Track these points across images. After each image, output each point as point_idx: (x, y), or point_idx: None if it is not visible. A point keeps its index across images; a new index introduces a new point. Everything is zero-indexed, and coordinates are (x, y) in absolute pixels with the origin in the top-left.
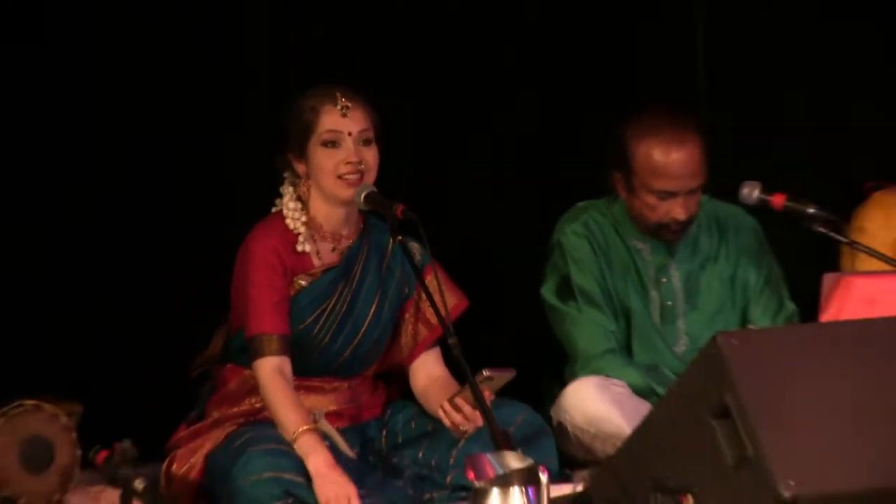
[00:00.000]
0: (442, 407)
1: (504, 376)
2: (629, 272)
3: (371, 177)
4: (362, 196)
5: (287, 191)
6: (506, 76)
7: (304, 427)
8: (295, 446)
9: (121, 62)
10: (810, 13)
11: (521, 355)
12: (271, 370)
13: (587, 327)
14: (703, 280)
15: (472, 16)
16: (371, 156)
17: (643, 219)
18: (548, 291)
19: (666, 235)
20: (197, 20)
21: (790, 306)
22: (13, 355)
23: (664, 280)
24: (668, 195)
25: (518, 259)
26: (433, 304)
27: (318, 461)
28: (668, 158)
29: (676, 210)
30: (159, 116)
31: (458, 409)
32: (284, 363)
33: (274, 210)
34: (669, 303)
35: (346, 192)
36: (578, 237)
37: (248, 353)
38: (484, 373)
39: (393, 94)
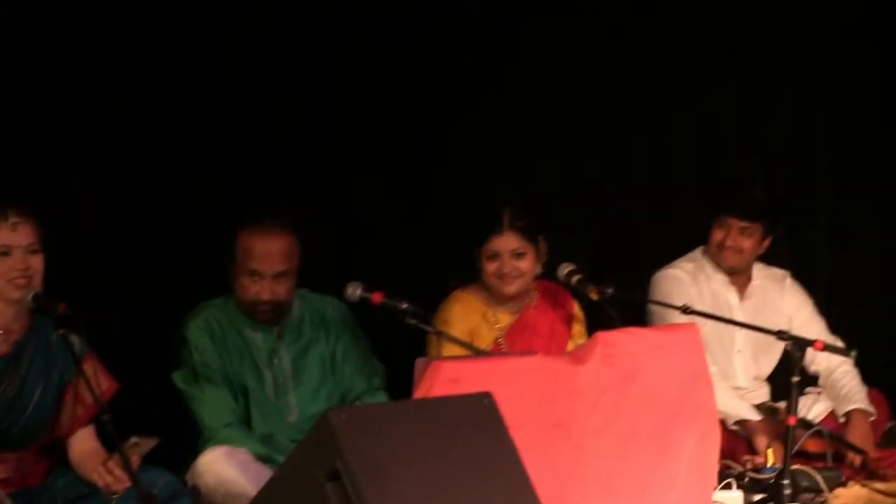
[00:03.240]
0: (97, 469)
1: (149, 443)
2: (245, 356)
3: (38, 280)
4: (30, 296)
5: None
6: None
7: None
8: None
9: None
10: None
11: (162, 429)
12: None
13: (211, 405)
14: (307, 360)
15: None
16: (37, 263)
17: (241, 301)
18: (177, 377)
19: (257, 316)
20: None
21: (378, 365)
22: None
23: (276, 361)
24: (256, 275)
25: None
26: (90, 388)
27: None
28: (255, 243)
29: (263, 290)
30: None
31: (110, 471)
32: None
33: None
34: (281, 380)
35: (14, 293)
36: (200, 331)
37: None
38: (132, 439)
39: None
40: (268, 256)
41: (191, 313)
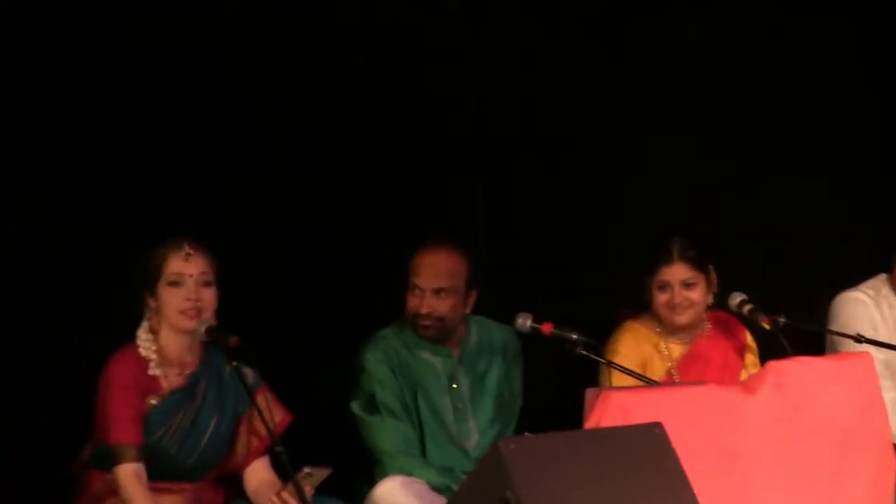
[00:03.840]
0: (271, 500)
1: (322, 473)
2: (424, 381)
3: (209, 313)
4: (203, 329)
5: (143, 324)
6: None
7: None
8: None
9: None
10: None
11: (336, 459)
12: (129, 475)
13: (389, 434)
14: (485, 386)
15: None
16: (209, 295)
17: (407, 316)
18: (356, 407)
19: (419, 330)
20: None
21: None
22: None
23: (455, 386)
24: (417, 290)
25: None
26: (263, 420)
27: None
28: (421, 259)
29: (422, 304)
30: None
31: (284, 502)
32: (140, 469)
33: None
34: (460, 406)
35: (186, 324)
36: (379, 362)
37: (109, 460)
38: (305, 469)
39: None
40: (429, 271)
41: (368, 344)
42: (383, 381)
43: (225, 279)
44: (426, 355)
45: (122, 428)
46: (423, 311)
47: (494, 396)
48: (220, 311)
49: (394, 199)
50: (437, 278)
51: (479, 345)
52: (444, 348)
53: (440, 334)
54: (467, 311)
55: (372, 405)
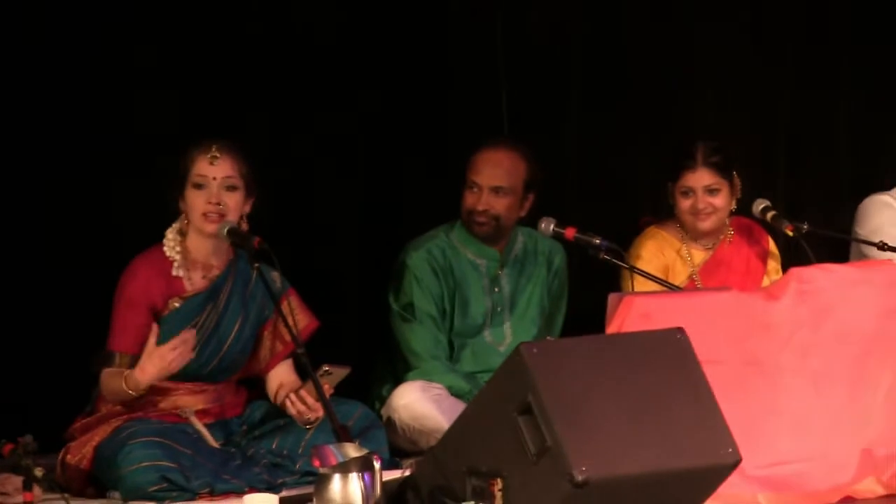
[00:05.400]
0: (288, 397)
1: (341, 372)
2: (466, 284)
3: (233, 217)
4: (224, 230)
5: (173, 225)
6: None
7: (127, 373)
8: (131, 383)
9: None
10: None
11: (357, 363)
12: (112, 374)
13: (422, 335)
14: (525, 293)
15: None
16: (232, 200)
17: (462, 215)
18: (393, 301)
19: (473, 228)
20: None
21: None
22: None
23: (496, 290)
24: (475, 187)
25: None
26: (287, 326)
27: (132, 372)
28: (480, 156)
29: (479, 202)
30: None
31: (302, 399)
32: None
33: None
34: (499, 309)
35: (208, 227)
36: (423, 262)
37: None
38: (324, 367)
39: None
40: (487, 169)
41: (412, 243)
42: (423, 281)
43: (263, 180)
44: (472, 256)
45: (118, 336)
46: (480, 207)
47: (535, 304)
48: (255, 214)
49: (419, 93)
50: (496, 176)
51: (524, 252)
52: (490, 250)
53: (494, 233)
54: (523, 213)
55: (408, 304)
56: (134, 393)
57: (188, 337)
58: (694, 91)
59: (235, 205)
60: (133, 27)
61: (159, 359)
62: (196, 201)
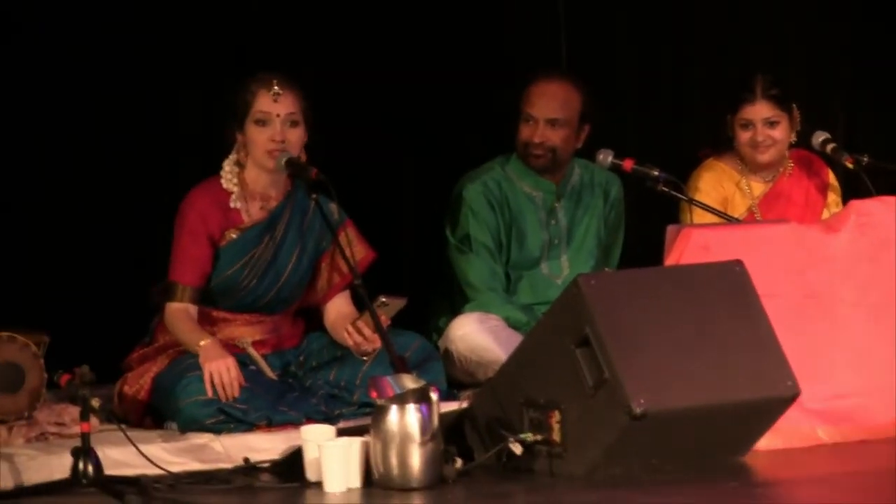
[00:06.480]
0: (346, 328)
1: (398, 303)
2: (522, 217)
3: (295, 151)
4: (283, 161)
5: (230, 156)
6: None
7: (206, 339)
8: (200, 354)
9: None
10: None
11: (415, 293)
12: (175, 311)
13: (478, 267)
14: (583, 225)
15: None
16: (295, 136)
17: (517, 148)
18: (450, 233)
19: (529, 160)
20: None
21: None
22: None
23: (553, 222)
24: (531, 120)
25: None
26: (344, 257)
27: (207, 344)
28: (535, 88)
29: (535, 134)
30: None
31: (359, 330)
32: (190, 308)
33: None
34: (556, 241)
35: (270, 163)
36: (478, 194)
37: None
38: (381, 298)
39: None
40: (542, 100)
41: (468, 175)
42: (479, 213)
43: (317, 115)
44: (528, 189)
45: (179, 267)
46: (536, 139)
47: (592, 235)
48: (311, 147)
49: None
50: (551, 108)
51: (581, 184)
52: (547, 182)
53: (551, 165)
54: (579, 145)
55: (465, 236)
56: (196, 351)
57: (242, 384)
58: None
59: (297, 139)
60: None
61: (221, 363)
62: (259, 137)
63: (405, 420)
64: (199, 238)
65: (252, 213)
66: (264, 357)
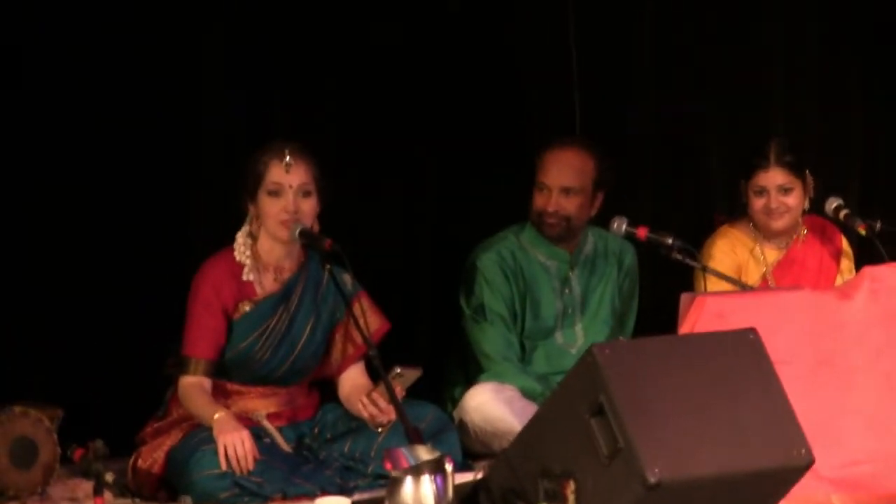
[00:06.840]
0: (361, 400)
1: (413, 374)
2: (537, 286)
3: (308, 221)
4: (296, 232)
5: (243, 228)
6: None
7: (220, 412)
8: (215, 427)
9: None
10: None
11: (429, 364)
12: (188, 385)
13: (493, 337)
14: (597, 293)
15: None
16: (308, 206)
17: (531, 217)
18: (465, 303)
19: (543, 229)
20: None
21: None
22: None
23: (567, 291)
24: (545, 189)
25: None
26: (359, 328)
27: (221, 417)
28: (549, 155)
29: (549, 203)
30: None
31: (374, 402)
32: (204, 382)
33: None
34: (570, 310)
35: (284, 234)
36: (493, 264)
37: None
38: (396, 369)
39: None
40: (556, 168)
41: (482, 244)
42: (493, 283)
43: (333, 182)
44: (542, 258)
45: (193, 340)
46: (550, 209)
47: (606, 304)
48: (324, 216)
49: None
50: (565, 177)
51: (595, 252)
52: (561, 251)
53: (565, 234)
54: (593, 212)
55: (479, 306)
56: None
57: (256, 458)
58: (766, 89)
59: (310, 210)
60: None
61: (235, 436)
62: (272, 209)
63: (420, 491)
64: (213, 310)
65: (265, 284)
66: (279, 430)
